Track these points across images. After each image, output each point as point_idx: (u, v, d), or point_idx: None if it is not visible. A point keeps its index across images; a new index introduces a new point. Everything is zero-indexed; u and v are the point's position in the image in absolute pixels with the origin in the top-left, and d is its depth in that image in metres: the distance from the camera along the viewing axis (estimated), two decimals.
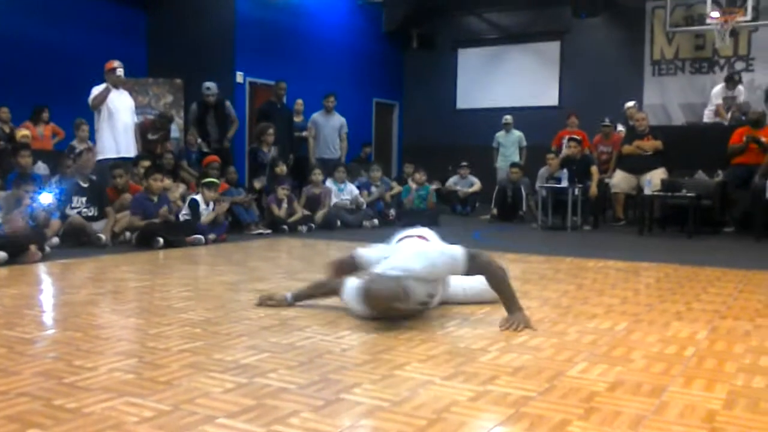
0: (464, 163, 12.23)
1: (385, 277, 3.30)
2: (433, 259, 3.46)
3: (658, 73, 13.48)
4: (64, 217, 6.83)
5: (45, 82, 9.80)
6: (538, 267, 5.78)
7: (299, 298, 3.88)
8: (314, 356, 2.83)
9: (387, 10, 14.73)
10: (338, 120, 10.59)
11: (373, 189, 10.28)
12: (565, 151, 10.06)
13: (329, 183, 9.71)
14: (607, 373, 2.65)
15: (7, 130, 8.98)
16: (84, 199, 7.08)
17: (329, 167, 9.98)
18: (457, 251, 3.45)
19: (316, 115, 10.56)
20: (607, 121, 10.69)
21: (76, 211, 7.00)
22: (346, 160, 10.99)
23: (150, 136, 9.18)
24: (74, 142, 9.05)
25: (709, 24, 12.14)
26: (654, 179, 9.06)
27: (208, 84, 9.55)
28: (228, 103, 9.94)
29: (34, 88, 9.68)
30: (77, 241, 6.76)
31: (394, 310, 3.37)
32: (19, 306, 3.92)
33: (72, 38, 10.38)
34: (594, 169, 9.76)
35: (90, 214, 7.05)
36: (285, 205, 8.84)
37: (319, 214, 9.17)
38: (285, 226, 8.61)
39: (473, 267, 3.47)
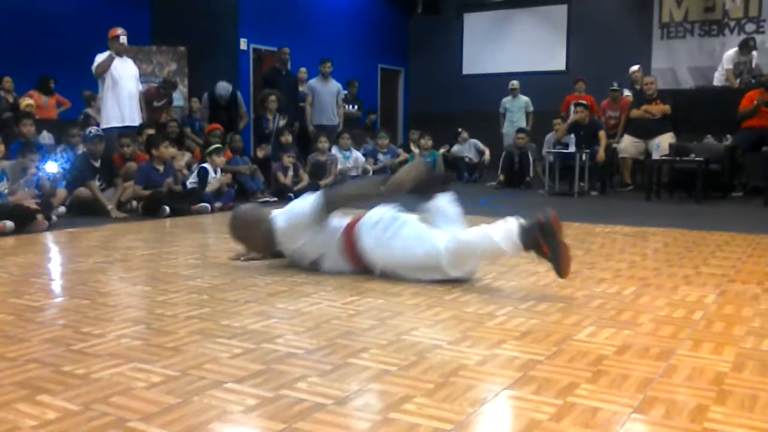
0: (460, 130, 12.17)
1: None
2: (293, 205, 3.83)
3: (666, 36, 13.31)
4: (70, 186, 6.83)
5: (48, 51, 9.74)
6: None
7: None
8: (321, 322, 2.83)
9: None
10: (335, 86, 10.50)
11: (380, 156, 10.23)
12: (572, 117, 9.98)
13: (334, 150, 9.67)
14: (615, 336, 2.64)
15: (10, 99, 8.95)
16: (96, 177, 7.07)
17: (329, 134, 9.92)
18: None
19: (313, 81, 10.47)
20: (615, 86, 10.58)
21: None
22: (353, 126, 10.95)
23: (155, 104, 9.14)
24: (89, 110, 8.99)
25: None
26: (662, 144, 8.99)
27: (223, 84, 9.53)
28: (240, 98, 9.90)
29: (37, 57, 9.62)
30: (85, 211, 6.77)
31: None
32: (27, 274, 3.93)
33: (75, 6, 10.29)
34: (602, 134, 9.68)
35: (101, 187, 7.06)
36: (291, 173, 8.82)
37: (325, 182, 9.15)
38: (291, 194, 8.58)
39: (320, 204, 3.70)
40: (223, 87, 9.63)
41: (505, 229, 3.36)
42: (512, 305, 3.14)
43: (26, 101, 8.80)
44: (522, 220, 3.37)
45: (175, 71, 11.29)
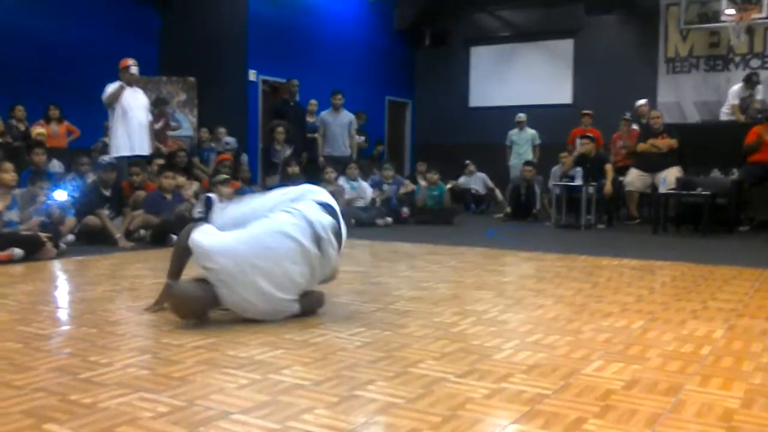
0: (467, 162, 12.24)
1: None
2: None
3: (672, 70, 13.38)
4: (79, 214, 6.87)
5: (59, 81, 9.86)
6: (552, 265, 5.76)
7: (176, 274, 3.57)
8: (328, 353, 2.83)
9: (399, 7, 14.71)
10: (347, 117, 10.59)
11: (386, 187, 10.26)
12: (579, 149, 10.01)
13: (342, 181, 9.70)
14: (623, 371, 2.63)
15: (22, 128, 9.03)
16: (106, 206, 7.12)
17: (341, 165, 9.98)
18: None
19: (325, 114, 10.57)
20: (627, 116, 10.64)
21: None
22: (360, 157, 11.02)
23: (155, 127, 9.25)
24: (105, 139, 9.06)
25: (724, 21, 12.03)
26: (669, 177, 8.99)
27: (227, 139, 9.73)
28: (245, 159, 10.08)
29: (48, 86, 9.73)
30: (93, 239, 6.80)
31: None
32: (35, 302, 3.94)
33: (85, 37, 10.42)
34: (608, 167, 9.70)
35: (110, 216, 7.10)
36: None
37: None
38: None
39: None
40: (229, 138, 9.91)
41: None
42: (519, 338, 3.13)
43: (37, 130, 8.89)
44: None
45: (184, 102, 11.41)
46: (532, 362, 2.73)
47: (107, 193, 7.15)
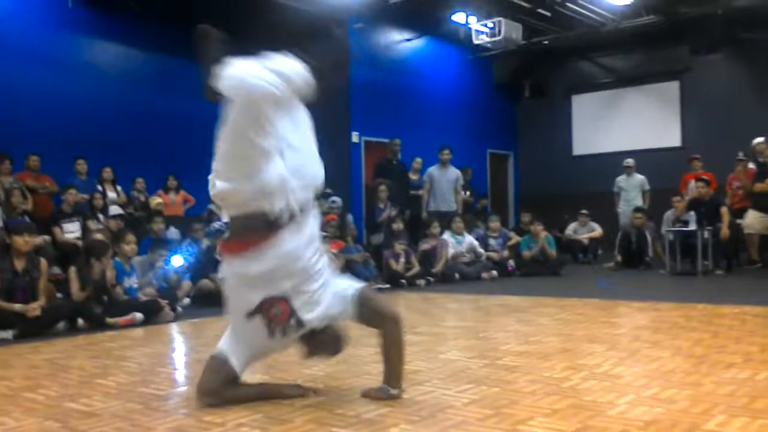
0: (584, 211, 11.96)
1: None
2: None
3: None
4: (195, 278, 7.17)
5: (176, 152, 10.41)
6: (668, 315, 5.51)
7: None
8: (436, 411, 2.81)
9: (497, 62, 14.80)
10: (454, 173, 10.66)
11: (491, 241, 10.19)
12: (692, 192, 9.65)
13: (446, 235, 9.71)
14: (749, 426, 2.47)
15: (142, 198, 9.58)
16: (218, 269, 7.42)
17: (446, 220, 10.00)
18: None
19: (432, 169, 10.67)
20: (741, 155, 10.20)
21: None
22: (465, 212, 11.02)
23: None
24: (212, 207, 9.47)
25: None
26: None
27: (333, 198, 9.97)
28: (350, 219, 10.24)
29: (167, 157, 10.30)
30: (208, 302, 7.06)
31: None
32: (154, 364, 4.12)
33: (199, 108, 10.99)
34: (724, 210, 9.28)
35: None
36: (402, 259, 8.91)
37: (438, 267, 9.16)
38: (403, 280, 8.65)
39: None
40: (336, 198, 10.11)
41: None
42: (634, 393, 3.00)
43: (156, 200, 9.40)
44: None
45: None
46: (649, 418, 2.61)
47: (219, 257, 7.45)
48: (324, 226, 8.86)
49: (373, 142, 12.26)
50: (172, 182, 9.95)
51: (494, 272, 9.52)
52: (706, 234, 8.92)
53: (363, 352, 4.19)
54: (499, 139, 15.40)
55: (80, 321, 5.56)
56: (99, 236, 6.34)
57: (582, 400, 2.92)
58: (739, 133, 11.62)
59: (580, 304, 6.41)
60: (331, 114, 12.02)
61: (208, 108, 3.53)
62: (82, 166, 8.93)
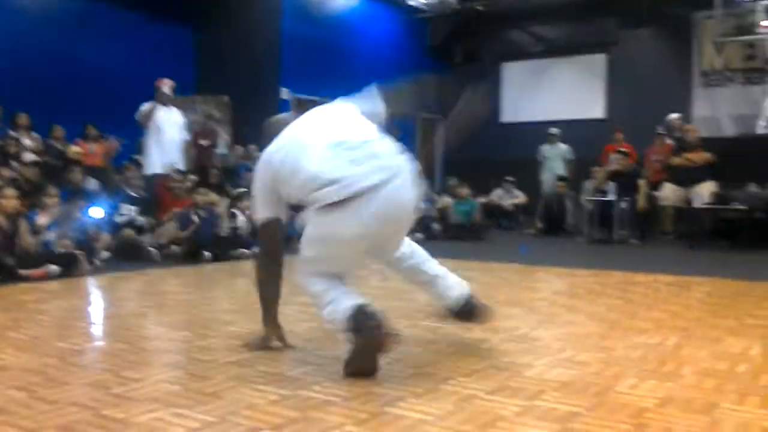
0: (509, 178, 12.16)
1: None
2: None
3: (707, 84, 13.20)
4: (113, 226, 7.00)
5: (97, 101, 10.02)
6: (584, 281, 5.70)
7: (273, 318, 3.25)
8: None
9: (432, 24, 14.77)
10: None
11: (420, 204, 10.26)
12: (612, 164, 9.93)
13: None
14: (657, 388, 2.59)
15: (60, 147, 9.20)
16: (134, 208, 7.29)
17: None
18: None
19: None
20: (661, 130, 10.53)
21: (125, 218, 7.19)
22: None
23: (202, 143, 9.40)
24: (138, 157, 9.22)
25: (760, 33, 11.87)
26: (704, 192, 8.87)
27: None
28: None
29: (87, 107, 9.90)
30: (128, 255, 6.90)
31: None
32: (70, 318, 4.01)
33: (122, 58, 10.60)
34: (641, 182, 9.60)
35: (141, 224, 7.24)
36: None
37: None
38: None
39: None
40: None
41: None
42: (551, 355, 3.10)
43: (74, 149, 9.05)
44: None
45: (218, 120, 11.53)
46: (564, 379, 2.70)
47: (135, 195, 7.41)
48: (249, 183, 8.75)
49: (302, 100, 12.09)
50: (91, 131, 9.58)
51: (419, 235, 9.60)
52: (624, 204, 9.22)
53: (288, 311, 4.17)
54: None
55: None
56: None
57: (500, 361, 3.00)
58: (660, 108, 11.95)
59: (502, 268, 6.55)
60: (260, 69, 11.80)
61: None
62: None
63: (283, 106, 11.82)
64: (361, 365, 2.70)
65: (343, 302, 2.74)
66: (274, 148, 2.97)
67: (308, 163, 2.78)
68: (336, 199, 2.70)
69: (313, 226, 2.86)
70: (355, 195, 2.69)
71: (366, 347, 2.66)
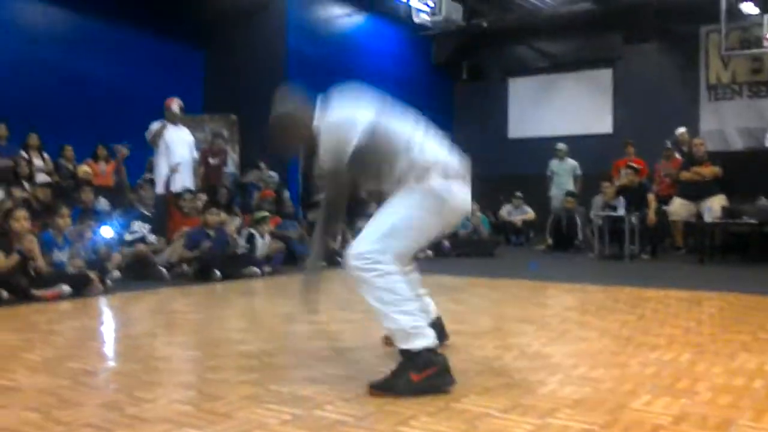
0: (518, 194, 12.15)
1: None
2: None
3: (714, 98, 13.21)
4: (124, 244, 7.04)
5: (107, 121, 10.10)
6: (596, 297, 5.68)
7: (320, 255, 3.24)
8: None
9: (437, 42, 14.83)
10: None
11: None
12: (621, 179, 9.92)
13: None
14: (672, 405, 2.57)
15: (70, 167, 9.26)
16: (147, 226, 7.34)
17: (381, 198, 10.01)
18: None
19: None
20: (668, 145, 10.52)
21: (137, 236, 7.23)
22: None
23: (211, 161, 9.47)
24: (148, 175, 9.29)
25: (766, 47, 11.88)
26: (714, 206, 8.84)
27: (270, 173, 9.90)
28: (287, 195, 10.19)
29: (96, 126, 9.97)
30: (140, 273, 6.91)
31: None
32: (82, 338, 4.02)
33: (131, 77, 10.69)
34: (651, 196, 9.58)
35: (152, 241, 7.27)
36: (339, 237, 8.89)
37: None
38: (339, 258, 8.64)
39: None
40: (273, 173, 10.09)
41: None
42: (563, 372, 3.09)
43: (84, 169, 9.11)
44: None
45: (226, 139, 11.59)
46: (577, 397, 2.69)
47: (147, 212, 7.47)
48: (261, 203, 8.79)
49: None
50: (101, 151, 9.65)
51: (429, 252, 9.61)
52: (634, 219, 9.20)
53: (298, 329, 4.18)
54: (435, 120, 15.36)
55: (4, 293, 5.35)
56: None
57: (513, 378, 2.98)
58: (667, 122, 11.97)
59: (512, 284, 6.53)
60: (266, 88, 11.86)
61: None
62: (2, 130, 8.57)
63: None
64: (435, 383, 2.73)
65: (428, 333, 2.80)
66: (374, 118, 3.13)
67: (426, 139, 3.18)
68: (459, 170, 2.98)
69: (424, 194, 2.90)
70: (466, 175, 3.00)
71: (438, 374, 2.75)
